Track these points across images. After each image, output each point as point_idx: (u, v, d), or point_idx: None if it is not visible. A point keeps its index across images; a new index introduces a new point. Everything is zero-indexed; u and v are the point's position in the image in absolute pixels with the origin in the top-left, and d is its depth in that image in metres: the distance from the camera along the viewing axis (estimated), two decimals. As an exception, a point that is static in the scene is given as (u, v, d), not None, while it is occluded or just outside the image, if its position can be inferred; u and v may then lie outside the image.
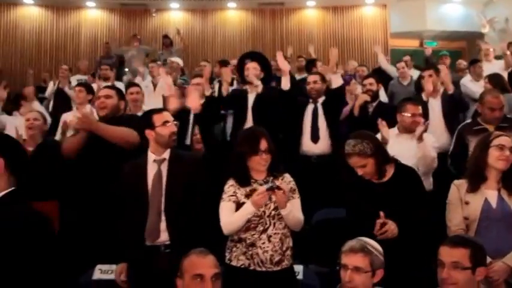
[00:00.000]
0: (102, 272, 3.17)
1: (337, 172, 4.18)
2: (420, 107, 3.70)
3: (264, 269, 2.56)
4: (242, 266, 2.57)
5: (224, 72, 4.79)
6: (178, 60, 7.54)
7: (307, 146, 4.51)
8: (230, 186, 2.66)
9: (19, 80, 9.62)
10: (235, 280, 2.50)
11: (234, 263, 2.58)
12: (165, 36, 9.22)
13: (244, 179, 2.65)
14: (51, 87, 7.11)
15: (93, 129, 3.25)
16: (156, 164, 2.78)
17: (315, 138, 4.47)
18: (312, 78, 4.63)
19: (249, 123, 4.35)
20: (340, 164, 2.93)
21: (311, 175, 4.20)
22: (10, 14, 10.49)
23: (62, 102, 6.54)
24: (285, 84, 4.41)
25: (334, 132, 4.47)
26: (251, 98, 4.42)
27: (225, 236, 2.70)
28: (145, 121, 2.87)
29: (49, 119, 4.91)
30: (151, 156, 2.81)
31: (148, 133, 2.82)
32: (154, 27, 10.76)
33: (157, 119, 2.82)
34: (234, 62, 7.71)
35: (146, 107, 4.72)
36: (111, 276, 2.97)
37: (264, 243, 2.57)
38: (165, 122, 2.81)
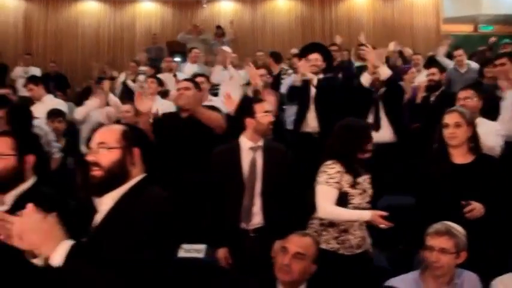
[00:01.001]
0: (186, 251, 3.40)
1: (403, 160, 4.36)
2: (471, 91, 3.80)
3: (349, 253, 2.74)
4: (331, 250, 2.73)
5: (301, 65, 4.90)
6: (228, 49, 7.73)
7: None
8: (336, 173, 2.73)
9: (80, 72, 10.13)
10: (321, 262, 2.59)
11: (323, 246, 2.69)
12: (218, 27, 9.44)
13: (354, 170, 2.76)
14: (121, 79, 7.44)
15: (196, 111, 3.45)
16: (251, 151, 2.98)
17: (377, 127, 4.57)
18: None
19: (312, 113, 4.55)
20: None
21: (374, 163, 4.32)
22: (71, 10, 11.01)
23: (127, 95, 6.91)
24: (365, 80, 4.47)
25: (396, 121, 4.56)
26: (313, 89, 4.56)
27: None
28: (246, 109, 3.06)
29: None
30: (246, 143, 3.00)
31: (249, 121, 3.00)
32: (206, 18, 11.01)
33: (258, 108, 3.01)
34: (294, 50, 7.92)
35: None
36: (194, 255, 3.21)
37: (355, 230, 2.76)
38: (266, 112, 3.01)
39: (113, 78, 7.60)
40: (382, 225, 2.58)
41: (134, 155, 1.79)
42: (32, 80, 5.29)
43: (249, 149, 2.99)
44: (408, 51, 7.87)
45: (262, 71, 5.23)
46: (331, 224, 2.76)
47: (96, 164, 1.75)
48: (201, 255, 3.11)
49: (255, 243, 2.89)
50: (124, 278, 1.58)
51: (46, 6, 10.92)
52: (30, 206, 1.54)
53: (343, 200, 2.72)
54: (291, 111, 5.37)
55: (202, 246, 3.15)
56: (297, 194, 3.03)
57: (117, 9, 11.05)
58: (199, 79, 5.07)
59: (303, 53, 4.86)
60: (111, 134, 1.81)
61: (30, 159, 2.12)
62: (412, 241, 2.73)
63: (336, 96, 4.50)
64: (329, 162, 2.77)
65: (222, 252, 2.95)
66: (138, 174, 1.81)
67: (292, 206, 2.96)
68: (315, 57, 4.62)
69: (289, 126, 5.32)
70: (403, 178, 4.15)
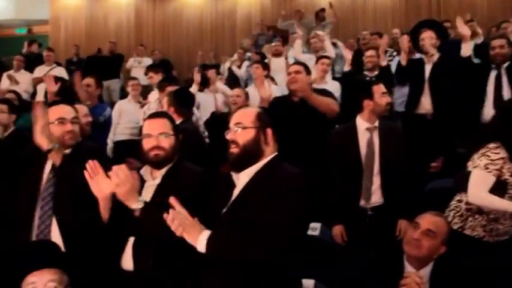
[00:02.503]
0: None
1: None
2: None
3: (495, 240, 2.64)
4: (476, 236, 2.64)
5: (403, 42, 4.78)
6: (321, 33, 7.62)
7: (490, 115, 4.34)
8: (500, 159, 2.54)
9: (186, 60, 10.59)
10: (465, 247, 2.57)
11: (467, 232, 2.63)
12: (322, 10, 9.33)
13: None
14: (226, 66, 7.68)
15: (308, 97, 3.51)
16: (368, 132, 3.09)
17: (500, 106, 4.28)
18: (497, 42, 4.38)
19: (426, 94, 4.37)
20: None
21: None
22: (177, 0, 11.47)
23: (233, 81, 7.13)
24: (466, 50, 4.29)
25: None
26: (428, 69, 4.39)
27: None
28: (364, 91, 3.14)
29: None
30: (363, 124, 3.12)
31: (367, 103, 3.10)
32: (305, 2, 10.92)
33: (376, 90, 3.11)
34: (396, 31, 7.64)
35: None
36: (309, 232, 3.24)
37: (506, 220, 2.63)
38: (383, 93, 3.09)
39: (217, 66, 7.87)
40: None
41: (267, 135, 1.97)
42: (151, 68, 5.66)
43: (366, 130, 3.10)
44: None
45: (372, 52, 5.11)
46: (480, 212, 2.62)
47: (234, 142, 1.95)
48: (316, 233, 3.19)
49: (374, 221, 2.99)
50: (260, 256, 1.75)
51: (154, -1, 11.54)
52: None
53: (500, 189, 2.54)
54: (399, 93, 5.23)
55: (317, 224, 3.24)
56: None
57: (219, -3, 11.33)
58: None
59: (415, 31, 4.68)
60: (247, 115, 1.99)
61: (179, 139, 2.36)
62: None
63: (452, 75, 4.29)
64: (493, 145, 2.56)
65: (337, 229, 3.08)
66: (271, 153, 1.98)
67: (411, 185, 3.02)
68: (429, 35, 4.44)
69: (398, 108, 5.20)
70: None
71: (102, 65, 8.53)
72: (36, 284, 1.76)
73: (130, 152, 4.74)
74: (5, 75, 7.54)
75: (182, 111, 3.64)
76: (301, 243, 1.90)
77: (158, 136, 2.24)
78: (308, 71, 3.86)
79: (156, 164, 2.25)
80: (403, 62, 4.57)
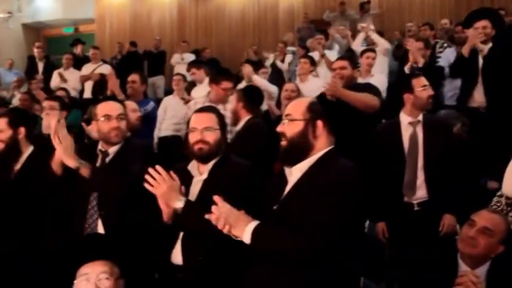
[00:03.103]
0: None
1: None
2: None
3: None
4: None
5: (471, 35, 4.56)
6: (365, 25, 7.46)
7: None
8: None
9: (228, 55, 10.61)
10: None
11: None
12: (367, 2, 9.13)
13: None
14: (270, 60, 7.65)
15: (340, 95, 3.44)
16: (411, 126, 3.02)
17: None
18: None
19: (479, 87, 4.24)
20: None
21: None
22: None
23: (277, 76, 7.08)
24: None
25: None
26: (481, 60, 4.21)
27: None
28: (404, 85, 3.08)
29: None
30: (406, 119, 3.06)
31: (407, 96, 3.05)
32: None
33: (416, 83, 3.03)
34: (445, 21, 7.39)
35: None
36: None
37: None
38: (424, 86, 3.02)
39: (259, 61, 7.84)
40: None
41: (317, 127, 1.87)
42: (194, 64, 5.69)
43: (409, 124, 3.04)
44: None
45: (420, 44, 4.94)
46: None
47: (282, 135, 1.90)
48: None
49: (420, 216, 2.93)
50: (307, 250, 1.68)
51: (197, -6, 11.60)
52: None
53: None
54: (450, 86, 5.07)
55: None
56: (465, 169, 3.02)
57: (261, -10, 11.27)
58: (369, 54, 5.03)
59: (469, 21, 4.48)
60: (298, 107, 1.92)
61: (226, 134, 2.41)
62: None
63: (507, 66, 4.08)
64: None
65: (379, 226, 3.06)
66: (325, 146, 1.89)
67: (459, 180, 2.93)
68: (483, 25, 4.25)
69: (448, 101, 5.05)
70: None
71: (139, 61, 8.66)
72: (89, 275, 1.80)
73: (174, 147, 4.81)
74: (55, 73, 7.78)
75: (251, 108, 3.71)
76: (357, 241, 1.84)
77: (203, 130, 2.25)
78: (354, 65, 3.78)
79: (200, 158, 2.27)
80: (465, 53, 4.30)
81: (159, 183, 2.01)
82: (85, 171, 2.42)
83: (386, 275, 2.81)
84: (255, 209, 1.88)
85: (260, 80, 5.22)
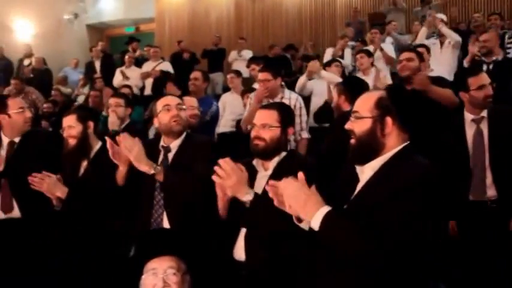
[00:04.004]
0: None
1: None
2: None
3: None
4: None
5: None
6: (442, 16, 7.16)
7: None
8: None
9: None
10: None
11: None
12: (428, -7, 8.81)
13: None
14: (328, 55, 7.55)
15: (427, 89, 3.32)
16: (474, 123, 2.94)
17: None
18: None
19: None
20: None
21: None
22: (275, -11, 11.48)
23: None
24: None
25: None
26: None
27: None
28: (460, 83, 3.02)
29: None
30: (468, 116, 2.97)
31: (462, 95, 2.99)
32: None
33: (473, 81, 2.94)
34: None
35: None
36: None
37: None
38: (481, 86, 2.91)
39: (317, 56, 7.73)
40: None
41: (386, 125, 1.74)
42: (253, 60, 5.70)
43: (472, 121, 2.95)
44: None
45: (487, 36, 4.68)
46: None
47: (351, 132, 1.79)
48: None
49: (491, 215, 2.84)
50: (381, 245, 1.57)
51: (253, -11, 11.62)
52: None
53: None
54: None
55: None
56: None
57: (319, -15, 11.13)
58: (420, 49, 4.83)
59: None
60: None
61: (291, 131, 2.37)
62: None
63: None
64: None
65: (451, 225, 3.00)
66: (397, 143, 1.76)
67: None
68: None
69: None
70: None
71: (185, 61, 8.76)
72: (156, 270, 1.81)
73: (233, 143, 4.83)
74: (117, 71, 8.04)
75: (355, 100, 3.62)
76: (432, 243, 1.73)
77: (260, 127, 2.26)
78: (421, 58, 3.64)
79: (256, 154, 2.28)
80: None
81: (229, 174, 2.00)
82: (160, 176, 2.46)
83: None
84: None
85: (328, 75, 5.13)
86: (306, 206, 1.64)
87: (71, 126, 2.85)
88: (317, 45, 9.55)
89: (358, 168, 1.82)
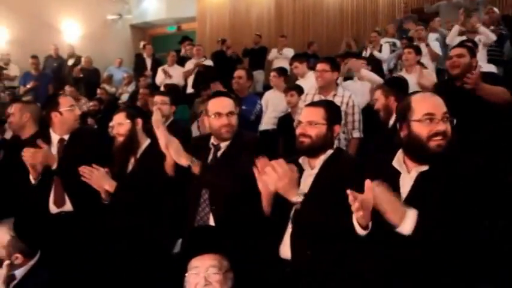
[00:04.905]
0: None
1: None
2: None
3: None
4: None
5: None
6: (494, 9, 6.93)
7: None
8: None
9: (326, 47, 10.45)
10: None
11: None
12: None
13: None
14: (368, 51, 7.44)
15: (478, 88, 3.22)
16: None
17: None
18: None
19: None
20: None
21: None
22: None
23: (375, 66, 6.81)
24: None
25: None
26: None
27: None
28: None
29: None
30: None
31: None
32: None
33: None
34: None
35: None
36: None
37: None
38: None
39: (360, 53, 7.61)
40: None
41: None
42: (296, 58, 5.66)
43: None
44: None
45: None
46: None
47: (444, 134, 1.80)
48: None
49: None
50: None
51: (294, -13, 11.56)
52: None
53: None
54: None
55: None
56: None
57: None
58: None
59: None
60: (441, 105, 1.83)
61: (337, 129, 2.34)
62: None
63: None
64: None
65: None
66: None
67: None
68: None
69: None
70: None
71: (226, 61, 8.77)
72: (199, 268, 1.84)
73: (275, 141, 4.82)
74: (159, 70, 8.16)
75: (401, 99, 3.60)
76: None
77: (307, 124, 2.26)
78: (472, 54, 3.51)
79: (302, 152, 2.27)
80: None
81: (281, 177, 2.00)
82: (196, 169, 2.50)
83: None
84: None
85: (368, 73, 5.04)
86: (394, 211, 1.67)
87: (120, 123, 2.92)
88: (358, 43, 9.37)
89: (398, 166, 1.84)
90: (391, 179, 1.82)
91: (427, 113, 1.81)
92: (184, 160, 2.49)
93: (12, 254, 2.27)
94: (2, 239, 2.31)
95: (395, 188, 1.79)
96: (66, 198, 3.09)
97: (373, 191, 1.65)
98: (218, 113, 2.59)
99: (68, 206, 3.09)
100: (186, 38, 9.51)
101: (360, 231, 1.73)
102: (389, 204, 1.66)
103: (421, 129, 1.80)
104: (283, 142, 4.37)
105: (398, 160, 1.89)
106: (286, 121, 4.87)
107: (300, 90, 4.92)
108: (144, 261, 2.70)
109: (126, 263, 2.72)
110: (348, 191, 1.68)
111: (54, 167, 3.02)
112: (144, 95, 6.15)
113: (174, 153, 2.49)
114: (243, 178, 2.29)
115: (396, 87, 3.53)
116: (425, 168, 1.80)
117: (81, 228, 2.96)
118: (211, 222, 2.54)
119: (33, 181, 3.01)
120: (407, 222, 1.64)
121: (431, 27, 7.54)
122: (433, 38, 7.06)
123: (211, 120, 2.62)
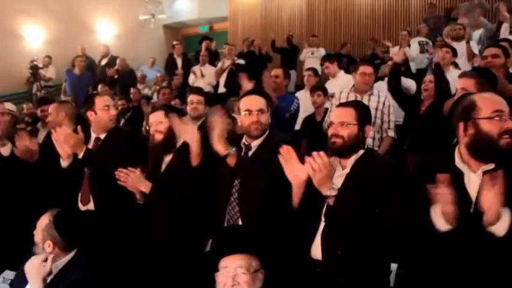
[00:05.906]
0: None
1: None
2: None
3: None
4: None
5: None
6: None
7: None
8: None
9: (357, 48, 10.37)
10: None
11: None
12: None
13: None
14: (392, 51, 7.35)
15: (504, 89, 3.10)
16: None
17: None
18: None
19: None
20: None
21: None
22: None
23: (405, 66, 6.71)
24: None
25: None
26: None
27: None
28: None
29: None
30: None
31: None
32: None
33: None
34: None
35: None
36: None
37: None
38: None
39: (386, 51, 7.53)
40: None
41: None
42: (327, 58, 5.64)
43: None
44: None
45: None
46: None
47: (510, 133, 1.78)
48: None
49: None
50: None
51: (326, -12, 11.50)
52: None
53: None
54: None
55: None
56: None
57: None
58: (504, 44, 4.56)
59: None
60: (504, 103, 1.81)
61: (368, 129, 2.34)
62: None
63: None
64: None
65: None
66: None
67: None
68: None
69: None
70: None
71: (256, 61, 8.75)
72: (228, 268, 1.84)
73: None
74: (192, 69, 8.23)
75: None
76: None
77: (338, 125, 2.26)
78: (507, 54, 3.43)
79: (333, 152, 2.27)
80: None
81: (321, 169, 2.03)
82: (231, 160, 2.54)
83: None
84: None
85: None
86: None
87: (159, 121, 2.93)
88: (391, 42, 9.22)
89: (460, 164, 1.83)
90: (455, 179, 1.75)
91: (497, 110, 1.76)
92: (221, 148, 2.56)
93: (46, 239, 2.28)
94: (42, 222, 2.35)
95: (460, 187, 1.75)
96: (91, 196, 3.17)
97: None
98: (248, 110, 2.62)
99: (92, 205, 3.18)
100: (205, 38, 9.54)
101: (444, 227, 1.70)
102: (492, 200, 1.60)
103: (491, 127, 1.75)
104: (307, 143, 4.35)
105: (458, 159, 1.86)
106: (310, 122, 4.91)
107: (325, 91, 4.92)
108: (180, 261, 2.73)
109: (162, 262, 2.75)
110: (428, 186, 1.66)
111: (81, 156, 3.08)
112: (165, 95, 6.22)
113: (217, 137, 2.55)
114: (273, 178, 2.31)
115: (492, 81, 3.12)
116: (490, 167, 1.76)
117: (116, 227, 3.01)
118: (241, 222, 2.55)
119: (63, 164, 3.09)
120: (502, 222, 1.61)
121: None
122: (475, 37, 6.92)
123: (242, 117, 2.65)
